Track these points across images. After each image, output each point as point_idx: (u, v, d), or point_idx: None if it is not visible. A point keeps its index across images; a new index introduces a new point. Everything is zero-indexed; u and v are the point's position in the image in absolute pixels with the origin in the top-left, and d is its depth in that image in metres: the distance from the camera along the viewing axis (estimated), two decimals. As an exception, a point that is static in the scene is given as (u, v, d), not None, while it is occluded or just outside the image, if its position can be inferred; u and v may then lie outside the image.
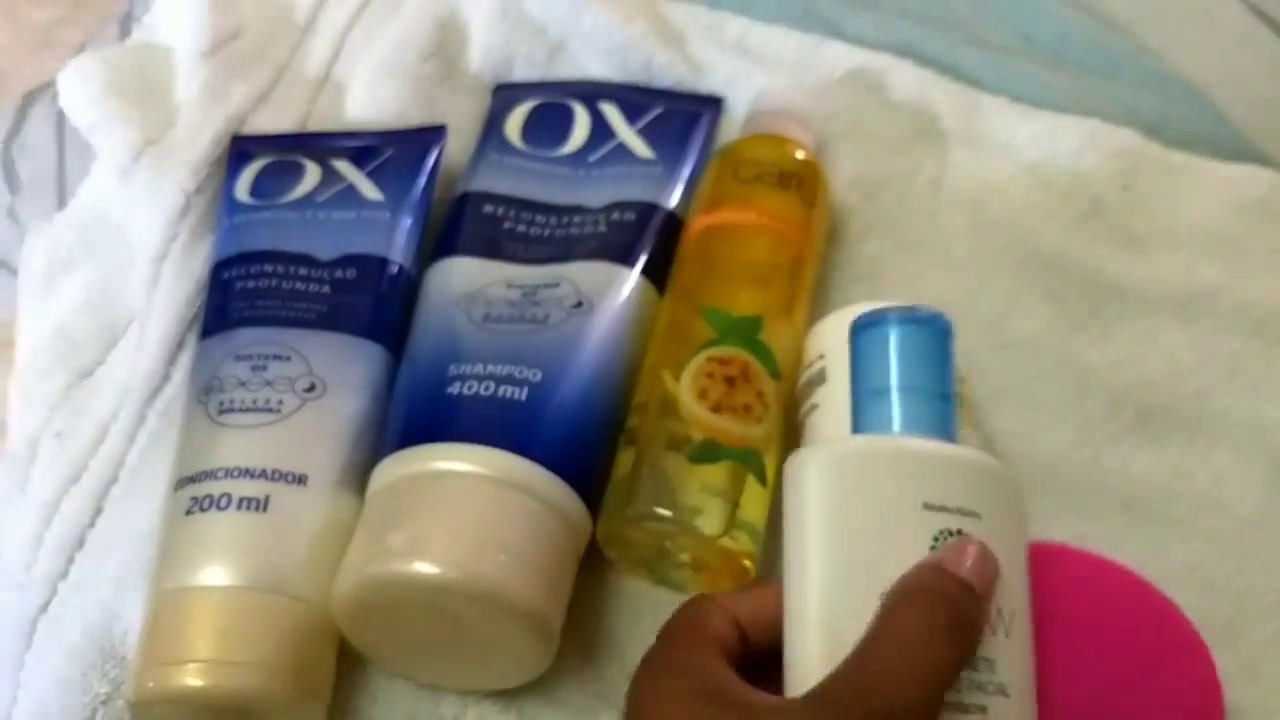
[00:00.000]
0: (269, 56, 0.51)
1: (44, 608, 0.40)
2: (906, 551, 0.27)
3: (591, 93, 0.49)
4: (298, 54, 0.51)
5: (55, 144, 0.55)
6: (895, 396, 0.30)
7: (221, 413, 0.37)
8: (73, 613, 0.39)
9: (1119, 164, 0.47)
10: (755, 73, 0.50)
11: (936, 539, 0.27)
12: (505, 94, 0.50)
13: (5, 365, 0.94)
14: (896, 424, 0.29)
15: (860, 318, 0.31)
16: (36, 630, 0.40)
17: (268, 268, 0.40)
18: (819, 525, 0.28)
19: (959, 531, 0.27)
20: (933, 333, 0.31)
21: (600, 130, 0.47)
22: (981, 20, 0.53)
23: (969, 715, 0.26)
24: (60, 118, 0.55)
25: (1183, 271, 0.45)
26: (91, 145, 0.50)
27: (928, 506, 0.27)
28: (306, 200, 0.43)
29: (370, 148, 0.45)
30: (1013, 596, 0.28)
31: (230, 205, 0.43)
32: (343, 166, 0.44)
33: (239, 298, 0.40)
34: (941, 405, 0.30)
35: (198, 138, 0.46)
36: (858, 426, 0.30)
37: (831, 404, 0.36)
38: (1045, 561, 0.31)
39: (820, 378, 0.37)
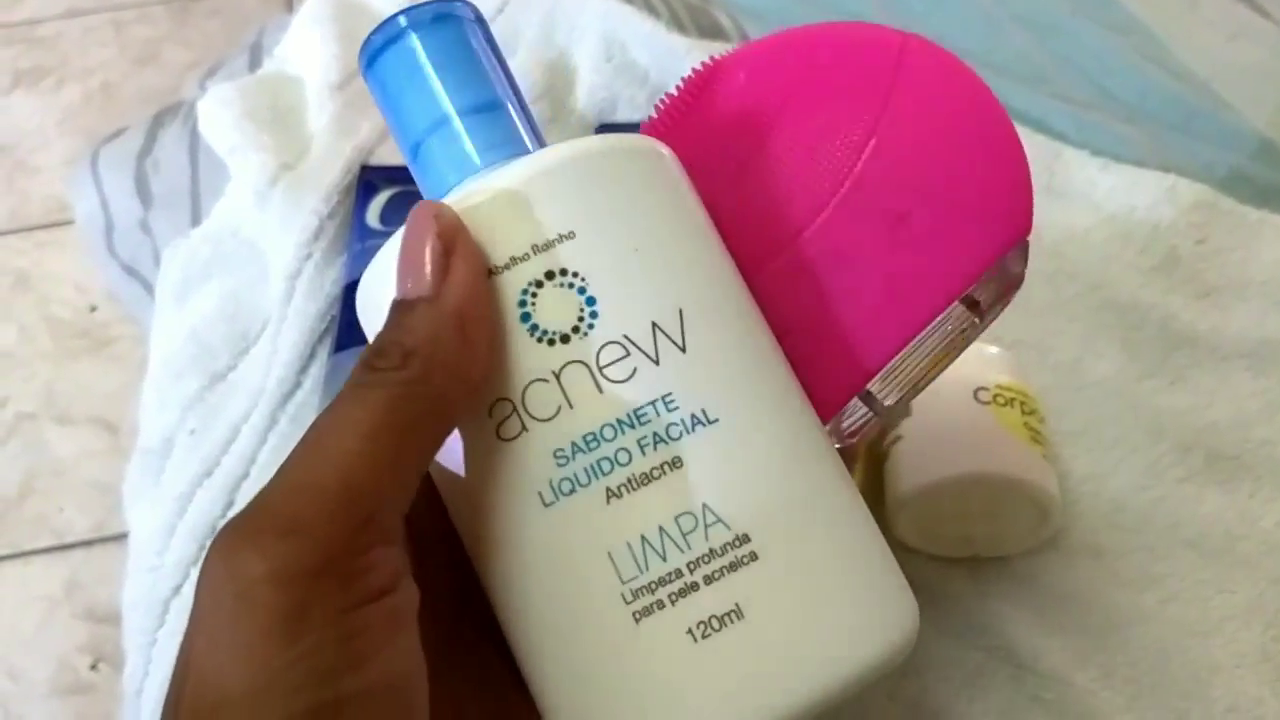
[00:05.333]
0: (392, 91, 0.55)
1: (176, 590, 0.44)
2: (504, 337, 0.22)
3: None
4: (418, 89, 0.55)
5: (188, 163, 0.59)
6: (430, 143, 0.24)
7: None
8: (206, 596, 0.42)
9: (1195, 218, 0.49)
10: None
11: (524, 300, 0.22)
12: (609, 133, 0.53)
13: (105, 358, 0.99)
14: (446, 183, 0.24)
15: (362, 48, 0.25)
16: (169, 611, 0.44)
17: (397, 289, 0.44)
18: None
19: (560, 272, 0.22)
20: (443, 33, 0.24)
21: None
22: (1065, 76, 0.55)
23: (651, 483, 0.21)
24: (193, 138, 0.59)
25: (1253, 323, 0.46)
26: (226, 166, 0.55)
27: (493, 271, 0.22)
28: (431, 228, 0.46)
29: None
30: (676, 292, 0.22)
31: (362, 230, 0.47)
32: (462, 197, 0.47)
33: (372, 315, 0.43)
34: (485, 120, 0.24)
35: (329, 166, 0.50)
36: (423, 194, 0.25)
37: (917, 437, 0.39)
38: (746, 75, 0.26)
39: (905, 412, 0.39)
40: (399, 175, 0.50)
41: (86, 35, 1.32)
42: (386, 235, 0.47)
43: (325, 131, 0.52)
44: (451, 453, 0.22)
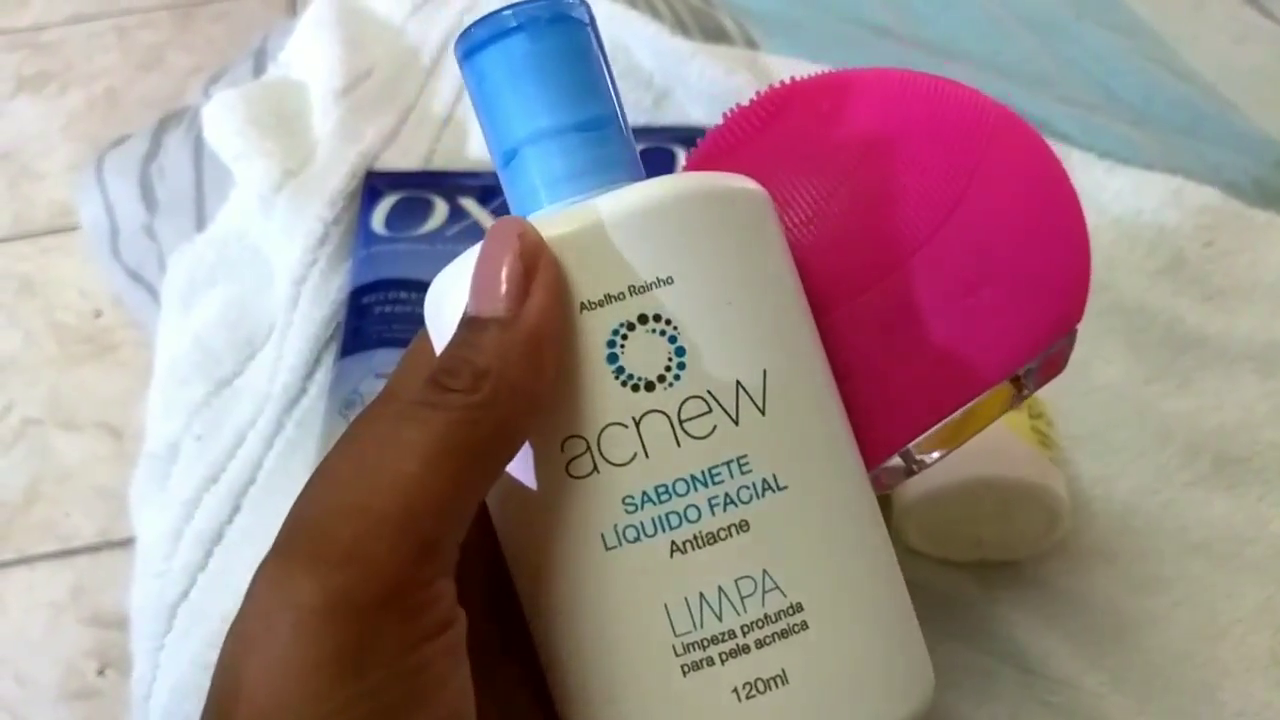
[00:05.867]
0: (397, 97, 0.55)
1: (184, 595, 0.44)
2: (587, 374, 0.21)
3: (693, 137, 0.52)
4: (423, 96, 0.55)
5: (193, 168, 0.59)
6: (527, 154, 0.23)
7: (360, 424, 0.40)
8: (212, 601, 0.42)
9: (1201, 220, 0.48)
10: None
11: (613, 341, 0.21)
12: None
13: (110, 363, 0.99)
14: (539, 199, 0.23)
15: (461, 37, 0.23)
16: (176, 616, 0.43)
17: (403, 294, 0.44)
18: None
19: (653, 317, 0.21)
20: (567, 33, 0.22)
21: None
22: (1071, 79, 0.55)
23: (717, 543, 0.21)
24: (197, 143, 0.59)
25: (1261, 325, 0.46)
26: (230, 171, 0.55)
27: (585, 306, 0.21)
28: (437, 234, 0.47)
29: (492, 187, 0.49)
30: (762, 353, 0.22)
31: (367, 236, 0.47)
32: (468, 203, 0.48)
33: (377, 321, 0.43)
34: (591, 138, 0.23)
35: (334, 172, 0.50)
36: (510, 205, 0.24)
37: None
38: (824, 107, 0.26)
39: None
40: (404, 181, 0.50)
41: (90, 41, 1.32)
42: (392, 241, 0.47)
43: (330, 137, 0.52)
44: (517, 480, 0.22)
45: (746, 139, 0.27)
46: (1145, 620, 0.39)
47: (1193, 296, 0.47)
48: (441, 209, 0.47)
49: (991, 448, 0.37)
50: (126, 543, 0.89)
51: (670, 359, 0.21)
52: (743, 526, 0.21)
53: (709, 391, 0.21)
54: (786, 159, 0.26)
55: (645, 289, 0.21)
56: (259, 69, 0.61)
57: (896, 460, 0.27)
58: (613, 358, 0.21)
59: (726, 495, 0.21)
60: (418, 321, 0.43)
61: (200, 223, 0.56)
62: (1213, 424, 0.44)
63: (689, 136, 0.52)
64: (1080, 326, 0.30)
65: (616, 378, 0.21)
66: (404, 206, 0.48)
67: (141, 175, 0.62)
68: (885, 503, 0.40)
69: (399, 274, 0.45)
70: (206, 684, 0.41)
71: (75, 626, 0.85)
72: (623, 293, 0.21)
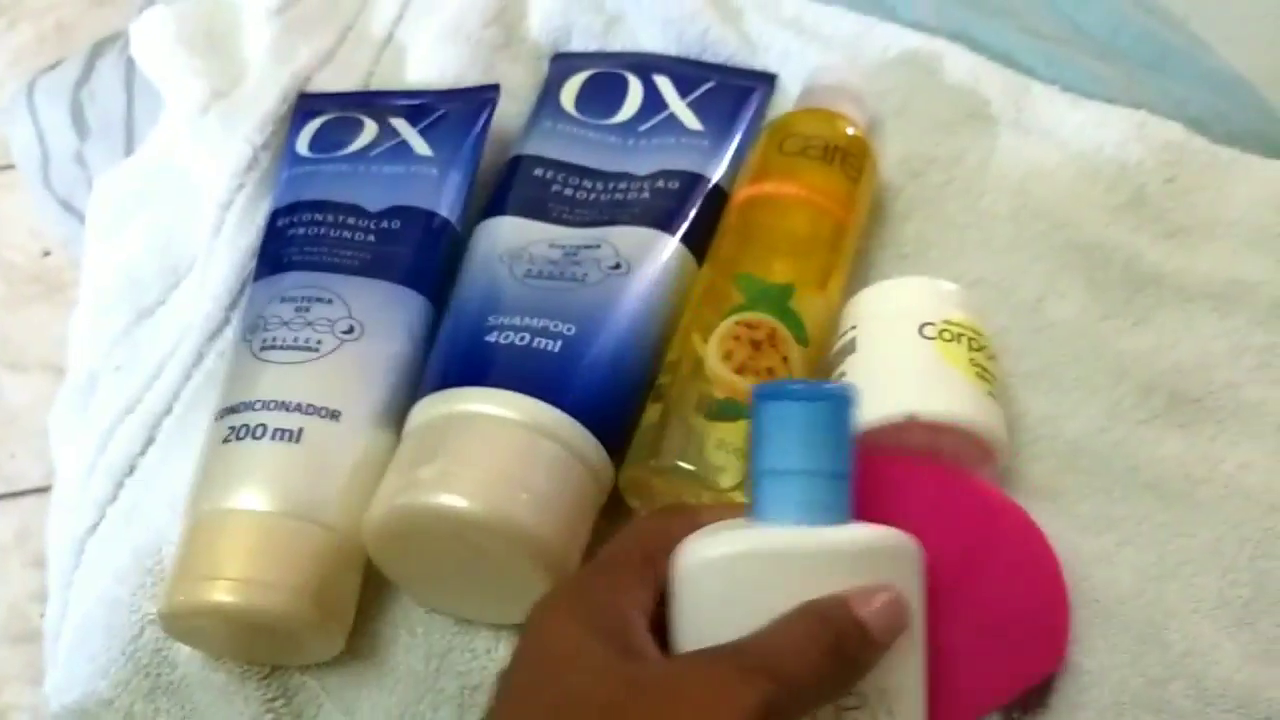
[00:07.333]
0: (335, 17, 0.52)
1: (92, 529, 0.42)
2: None
3: (646, 64, 0.50)
4: (362, 15, 0.53)
5: (124, 92, 0.57)
6: (794, 480, 0.29)
7: (263, 349, 0.38)
8: (121, 535, 0.41)
9: (1164, 156, 0.47)
10: (810, 51, 0.50)
11: None
12: (562, 63, 0.51)
13: (59, 303, 0.97)
14: (793, 511, 0.29)
15: (761, 388, 0.30)
16: (85, 550, 0.42)
17: (319, 216, 0.42)
18: (710, 624, 0.28)
19: None
20: (834, 409, 0.30)
21: (652, 101, 0.48)
22: (1035, 10, 0.53)
23: None
24: (129, 67, 0.57)
25: (1222, 264, 0.45)
26: (160, 95, 0.52)
27: None
28: (360, 154, 0.44)
29: (425, 105, 0.46)
30: (897, 670, 0.29)
31: (291, 158, 0.45)
32: (398, 123, 0.45)
33: (290, 244, 0.41)
34: (838, 486, 0.29)
35: (265, 93, 0.47)
36: (755, 509, 0.30)
37: (858, 372, 0.37)
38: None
39: (850, 347, 0.38)
40: (340, 100, 0.47)
41: (42, -26, 1.27)
42: (315, 163, 0.44)
43: (262, 57, 0.49)
44: None
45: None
46: (1092, 559, 0.38)
47: (1153, 233, 0.46)
48: (371, 128, 0.45)
49: (925, 381, 0.36)
50: (72, 486, 0.87)
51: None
52: None
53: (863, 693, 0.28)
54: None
55: None
56: (195, -12, 0.59)
57: None
58: None
59: None
60: (331, 244, 0.41)
61: (130, 148, 0.54)
62: (1168, 362, 0.42)
63: (639, 63, 0.50)
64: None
65: None
66: (332, 126, 0.45)
67: (72, 101, 0.60)
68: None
69: (317, 195, 0.43)
70: (112, 621, 0.39)
71: (20, 569, 0.83)
72: None
